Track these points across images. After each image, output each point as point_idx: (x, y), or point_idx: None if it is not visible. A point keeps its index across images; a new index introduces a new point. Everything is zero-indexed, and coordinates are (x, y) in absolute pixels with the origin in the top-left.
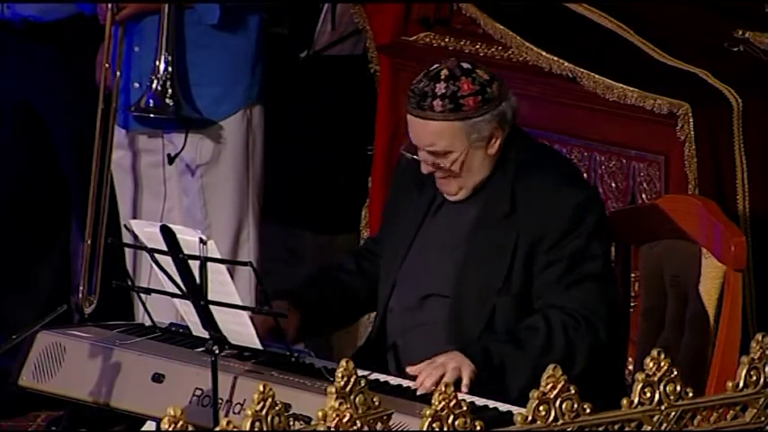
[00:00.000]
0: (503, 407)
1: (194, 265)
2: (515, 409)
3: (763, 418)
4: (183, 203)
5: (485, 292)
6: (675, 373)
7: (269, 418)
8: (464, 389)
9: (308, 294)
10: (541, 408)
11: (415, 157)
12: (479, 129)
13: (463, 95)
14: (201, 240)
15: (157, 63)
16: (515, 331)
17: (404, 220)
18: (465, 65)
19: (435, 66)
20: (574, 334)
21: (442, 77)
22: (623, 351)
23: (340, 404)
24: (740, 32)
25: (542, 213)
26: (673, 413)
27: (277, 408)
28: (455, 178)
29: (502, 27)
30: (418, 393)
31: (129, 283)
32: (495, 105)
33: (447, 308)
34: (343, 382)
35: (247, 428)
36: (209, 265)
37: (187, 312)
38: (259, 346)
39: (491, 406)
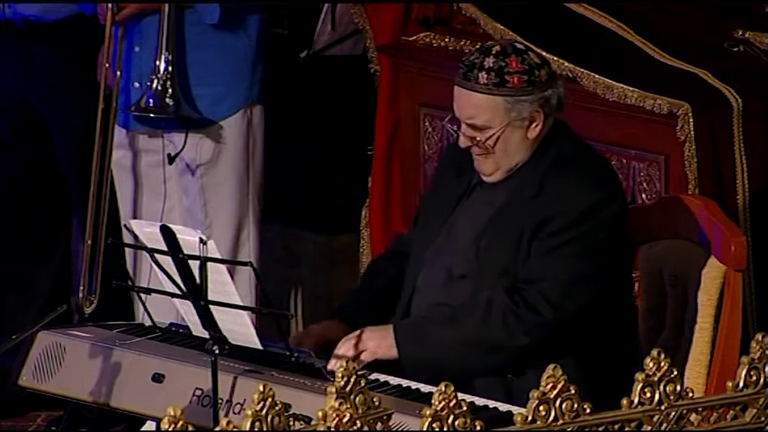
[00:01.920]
0: (503, 407)
1: (194, 265)
2: (515, 409)
3: (763, 418)
4: (184, 203)
5: (505, 274)
6: (675, 373)
7: (269, 418)
8: (364, 357)
9: (359, 315)
10: (541, 408)
11: (456, 130)
12: (520, 108)
13: (510, 72)
14: (201, 240)
15: (158, 63)
16: (458, 310)
17: (440, 203)
18: (520, 45)
19: (491, 42)
20: (511, 312)
21: (493, 52)
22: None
23: (340, 404)
24: (740, 32)
25: (558, 202)
26: (673, 413)
27: (277, 408)
28: (491, 156)
29: (502, 27)
30: (329, 368)
31: (129, 283)
32: (540, 89)
33: (470, 289)
34: (343, 382)
35: (247, 428)
36: (209, 265)
37: (187, 312)
38: (259, 346)
39: (491, 406)
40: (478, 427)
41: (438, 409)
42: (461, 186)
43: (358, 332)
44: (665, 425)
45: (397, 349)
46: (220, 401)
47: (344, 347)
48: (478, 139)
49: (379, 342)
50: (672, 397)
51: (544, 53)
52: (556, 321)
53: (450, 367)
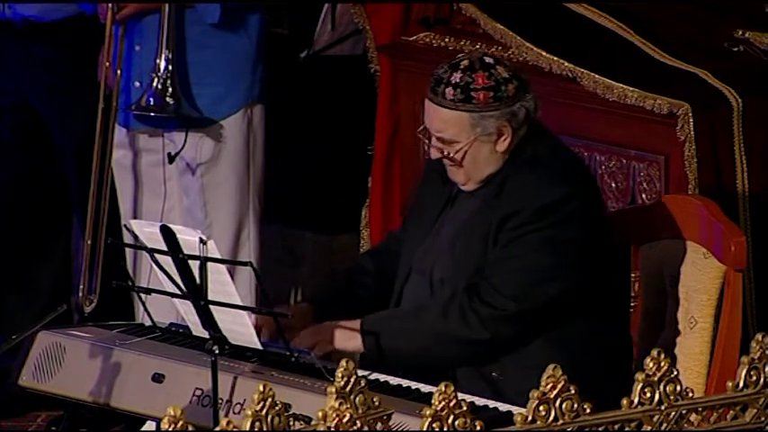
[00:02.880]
0: (503, 407)
1: (194, 265)
2: (515, 409)
3: (763, 418)
4: (184, 203)
5: (477, 275)
6: (675, 373)
7: (269, 418)
8: (318, 350)
9: (330, 306)
10: (541, 408)
11: (427, 141)
12: (486, 124)
13: (475, 89)
14: (201, 240)
15: (158, 62)
16: (423, 304)
17: (427, 211)
18: (488, 59)
19: (461, 55)
20: (468, 306)
21: (461, 67)
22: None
23: (340, 404)
24: (740, 32)
25: (518, 199)
26: (673, 413)
27: (277, 408)
28: (461, 168)
29: (502, 27)
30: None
31: (129, 283)
32: (507, 104)
33: (449, 292)
34: (343, 382)
35: (247, 428)
36: (209, 265)
37: (187, 312)
38: (259, 346)
39: (491, 406)
40: (478, 427)
41: (438, 409)
42: (446, 194)
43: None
44: (665, 425)
45: (361, 339)
46: (220, 401)
47: (304, 334)
48: (447, 152)
49: (341, 333)
50: (672, 397)
51: (544, 53)
52: (513, 314)
53: (411, 356)
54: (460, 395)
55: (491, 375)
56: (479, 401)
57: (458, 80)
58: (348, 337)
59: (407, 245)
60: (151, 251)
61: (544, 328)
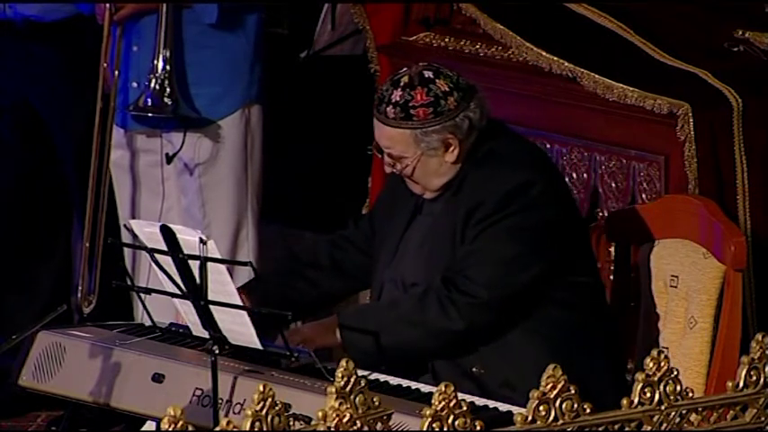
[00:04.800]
0: (503, 407)
1: (194, 265)
2: (515, 409)
3: (763, 418)
4: (182, 203)
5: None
6: (675, 373)
7: (269, 418)
8: (307, 346)
9: (270, 293)
10: (541, 408)
11: (380, 155)
12: (428, 140)
13: (414, 106)
14: (201, 240)
15: (156, 62)
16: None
17: (395, 223)
18: (427, 73)
19: (403, 70)
20: (445, 297)
21: (401, 84)
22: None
23: (340, 404)
24: (740, 32)
25: (478, 191)
26: (673, 413)
27: (277, 408)
28: (415, 181)
29: (502, 27)
30: None
31: (129, 283)
32: (448, 118)
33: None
34: (343, 382)
35: (247, 428)
36: (209, 264)
37: (187, 312)
38: (259, 346)
39: (491, 406)
40: (478, 427)
41: (438, 409)
42: (412, 204)
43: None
44: (665, 425)
45: (338, 333)
46: (220, 401)
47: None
48: (398, 166)
49: (317, 329)
50: (672, 397)
51: (544, 53)
52: (488, 302)
53: (388, 348)
54: (460, 395)
55: (472, 371)
56: (479, 401)
57: (397, 98)
58: (325, 332)
59: (379, 261)
60: (151, 251)
61: (521, 317)
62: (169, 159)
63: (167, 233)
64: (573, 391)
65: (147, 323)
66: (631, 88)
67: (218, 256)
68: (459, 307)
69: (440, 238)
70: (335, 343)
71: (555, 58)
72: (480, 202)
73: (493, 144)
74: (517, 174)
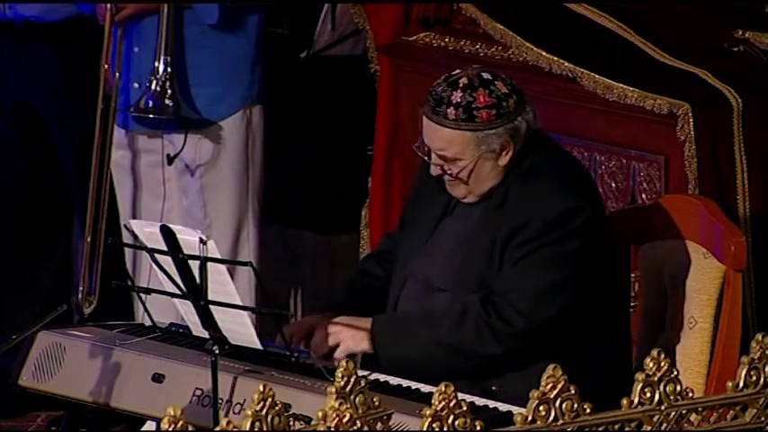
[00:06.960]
0: (503, 407)
1: (194, 265)
2: (515, 409)
3: (763, 418)
4: (183, 203)
5: (480, 287)
6: (675, 373)
7: (269, 418)
8: (337, 355)
9: (351, 307)
10: (541, 408)
11: (425, 158)
12: (490, 141)
13: (478, 107)
14: (201, 240)
15: (157, 63)
16: (435, 313)
17: (424, 217)
18: (486, 75)
19: (458, 72)
20: (483, 322)
21: (461, 86)
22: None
23: (340, 404)
24: (740, 32)
25: (524, 210)
26: (673, 413)
27: (277, 408)
28: (463, 184)
29: (502, 27)
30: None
31: (129, 283)
32: (509, 120)
33: (448, 302)
34: (343, 382)
35: (247, 428)
36: (209, 265)
37: (187, 312)
38: (259, 346)
39: (491, 406)
40: (478, 427)
41: (438, 409)
42: (443, 202)
43: (333, 322)
44: (665, 425)
45: (370, 342)
46: (220, 401)
47: (318, 338)
48: (450, 170)
49: (353, 334)
50: (672, 397)
51: (544, 53)
52: (526, 331)
53: (419, 365)
54: (460, 395)
55: (491, 389)
56: (479, 401)
57: (459, 99)
58: (361, 339)
59: (403, 252)
60: (151, 251)
61: (554, 344)
62: (170, 160)
63: (167, 233)
64: (573, 391)
65: (147, 323)
66: (631, 88)
67: (218, 257)
68: (497, 333)
69: (476, 249)
70: (364, 350)
71: (555, 58)
72: (526, 223)
73: (536, 156)
74: (568, 198)
